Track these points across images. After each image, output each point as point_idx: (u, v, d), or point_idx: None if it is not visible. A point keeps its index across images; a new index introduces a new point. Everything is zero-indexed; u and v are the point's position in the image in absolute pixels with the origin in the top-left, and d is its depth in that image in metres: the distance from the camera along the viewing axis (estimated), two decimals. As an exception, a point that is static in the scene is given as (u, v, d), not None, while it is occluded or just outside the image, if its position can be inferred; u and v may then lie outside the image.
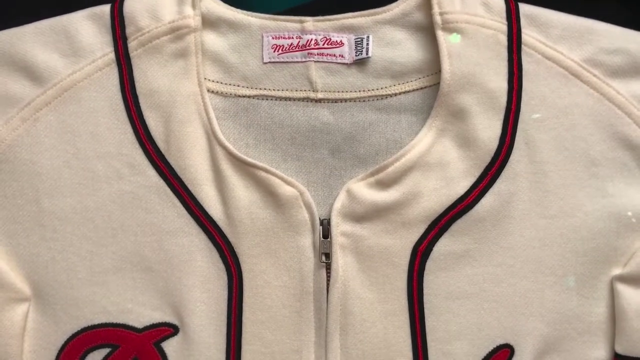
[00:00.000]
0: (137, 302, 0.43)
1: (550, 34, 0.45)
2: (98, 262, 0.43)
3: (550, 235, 0.44)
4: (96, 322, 0.43)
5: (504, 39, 0.44)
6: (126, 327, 0.43)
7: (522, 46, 0.45)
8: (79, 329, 0.43)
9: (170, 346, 0.43)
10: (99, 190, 0.43)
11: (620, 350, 0.43)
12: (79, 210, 0.43)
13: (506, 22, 0.45)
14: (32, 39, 0.45)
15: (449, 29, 0.44)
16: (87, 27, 0.45)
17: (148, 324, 0.43)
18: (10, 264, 0.43)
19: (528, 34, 0.45)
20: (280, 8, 0.50)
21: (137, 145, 0.44)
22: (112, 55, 0.44)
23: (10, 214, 0.43)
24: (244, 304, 0.43)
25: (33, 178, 0.44)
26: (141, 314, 0.43)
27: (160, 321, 0.43)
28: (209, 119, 0.44)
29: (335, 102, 0.46)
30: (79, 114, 0.44)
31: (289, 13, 0.47)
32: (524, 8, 0.45)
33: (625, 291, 0.43)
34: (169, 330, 0.43)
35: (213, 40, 0.46)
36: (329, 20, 0.46)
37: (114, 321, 0.43)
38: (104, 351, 0.43)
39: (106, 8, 0.45)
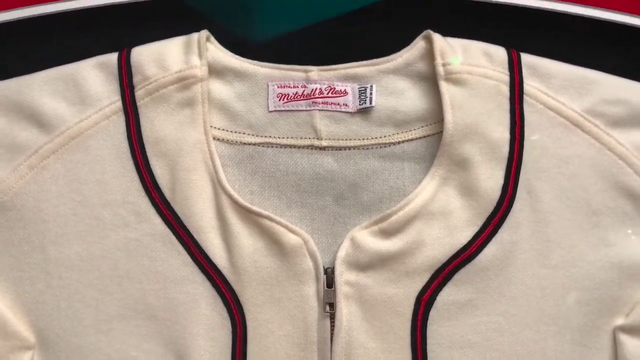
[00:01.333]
0: (141, 350, 0.43)
1: (552, 84, 0.46)
2: (103, 310, 0.43)
3: (553, 285, 0.44)
4: (100, 370, 0.43)
5: (506, 89, 0.45)
6: (130, 375, 0.43)
7: (524, 96, 0.45)
8: (83, 376, 0.43)
9: (173, 396, 0.43)
10: (105, 238, 0.44)
11: (623, 400, 0.43)
12: (84, 258, 0.44)
13: (508, 73, 0.45)
14: (41, 87, 0.45)
15: (451, 79, 0.45)
16: (94, 75, 0.46)
17: (152, 372, 0.43)
18: (15, 312, 0.43)
19: (530, 84, 0.45)
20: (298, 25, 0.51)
21: (143, 193, 0.44)
22: (119, 104, 0.45)
23: (17, 261, 0.44)
24: (248, 353, 0.43)
25: (39, 225, 0.44)
26: (145, 362, 0.43)
27: (164, 370, 0.43)
28: (214, 167, 0.44)
29: (340, 149, 0.46)
30: (86, 162, 0.44)
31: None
32: (525, 58, 0.46)
33: (627, 341, 0.43)
34: (173, 379, 0.43)
35: (219, 88, 0.46)
36: (334, 69, 0.46)
37: (118, 369, 0.43)
38: (108, 400, 0.43)
39: (113, 57, 0.46)
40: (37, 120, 0.45)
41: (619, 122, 0.45)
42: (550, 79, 0.46)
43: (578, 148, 0.45)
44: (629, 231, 0.44)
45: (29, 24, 0.49)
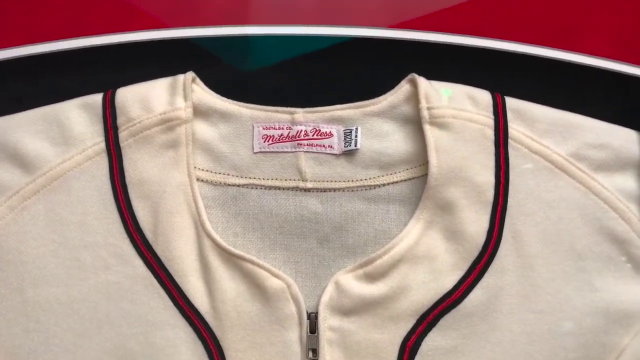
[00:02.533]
0: (119, 398, 0.42)
1: (537, 128, 0.46)
2: (81, 355, 0.42)
3: (539, 331, 0.43)
4: (78, 418, 0.42)
5: (490, 133, 0.45)
6: (108, 423, 0.42)
7: (509, 140, 0.45)
8: None
9: None
10: (85, 280, 0.43)
11: None
12: (63, 301, 0.43)
13: (493, 117, 0.46)
14: (24, 128, 0.45)
15: (436, 123, 0.45)
16: (78, 116, 0.46)
17: (130, 420, 0.42)
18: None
19: (515, 128, 0.46)
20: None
21: (124, 235, 0.44)
22: (102, 145, 0.45)
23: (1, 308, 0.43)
24: (228, 403, 0.42)
25: (18, 267, 0.43)
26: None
27: (143, 418, 0.42)
28: (197, 209, 0.44)
29: (324, 191, 0.46)
30: (68, 203, 0.44)
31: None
32: (510, 102, 0.46)
33: (615, 389, 0.43)
34: None
35: (204, 130, 0.46)
36: (319, 111, 0.46)
37: (95, 417, 0.42)
38: None
39: (98, 97, 0.46)
40: (20, 160, 0.44)
41: (602, 166, 0.45)
42: (534, 122, 0.46)
43: (563, 192, 0.45)
44: (615, 275, 0.44)
45: (16, 64, 0.49)
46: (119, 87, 0.46)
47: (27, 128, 0.45)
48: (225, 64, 0.51)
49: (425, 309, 0.43)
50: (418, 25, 0.50)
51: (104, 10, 0.47)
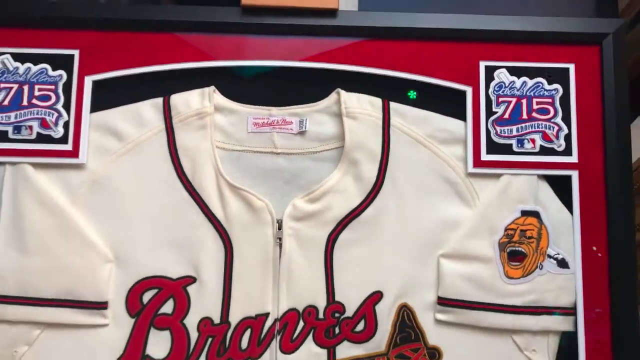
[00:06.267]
0: (173, 264, 0.77)
1: (407, 119, 0.81)
2: (151, 241, 0.77)
3: (405, 231, 0.79)
4: (149, 274, 0.77)
5: (380, 122, 0.80)
6: (166, 278, 0.77)
7: (391, 126, 0.81)
8: (140, 278, 0.77)
9: (191, 289, 0.77)
10: (154, 199, 0.78)
11: (440, 294, 0.78)
12: (142, 212, 0.78)
13: (382, 113, 0.81)
14: (118, 116, 0.80)
15: (349, 116, 0.80)
16: (149, 110, 0.80)
17: (179, 276, 0.77)
18: (103, 241, 0.77)
19: (393, 119, 0.81)
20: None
21: (176, 176, 0.78)
22: (162, 126, 0.80)
23: (106, 213, 0.78)
24: (233, 265, 0.77)
25: (117, 193, 0.78)
26: (175, 270, 0.77)
27: (186, 275, 0.77)
28: (216, 163, 0.79)
29: (288, 154, 0.81)
30: (144, 159, 0.79)
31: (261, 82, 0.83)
32: (392, 104, 0.81)
33: (443, 262, 0.78)
34: (191, 279, 0.77)
35: (220, 119, 0.81)
36: (285, 109, 0.81)
37: (160, 274, 0.77)
38: (154, 291, 0.77)
39: (160, 100, 0.80)
40: (117, 135, 0.79)
41: (444, 141, 0.81)
42: (405, 116, 0.81)
43: (421, 155, 0.80)
44: (448, 200, 0.80)
45: (115, 80, 0.82)
46: (172, 94, 0.81)
47: (121, 116, 0.80)
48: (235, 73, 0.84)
49: (340, 217, 0.78)
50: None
51: (165, 46, 0.81)
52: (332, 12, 0.80)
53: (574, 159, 0.80)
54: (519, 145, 0.80)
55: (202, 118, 0.80)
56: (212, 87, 0.81)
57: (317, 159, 0.81)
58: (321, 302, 0.77)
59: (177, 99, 0.81)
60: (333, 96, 0.82)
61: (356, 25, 0.80)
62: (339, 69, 0.81)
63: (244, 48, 0.81)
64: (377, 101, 0.82)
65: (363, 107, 0.81)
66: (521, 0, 1.03)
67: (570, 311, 0.78)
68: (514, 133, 0.80)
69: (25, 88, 0.79)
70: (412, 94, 0.81)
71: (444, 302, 0.78)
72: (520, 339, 0.77)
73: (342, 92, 0.81)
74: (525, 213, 0.79)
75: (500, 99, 0.81)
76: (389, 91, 0.82)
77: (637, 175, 0.86)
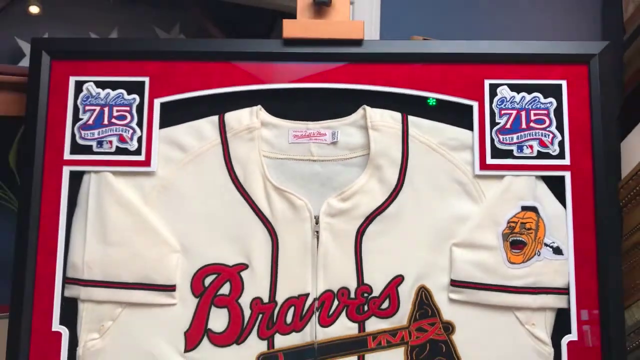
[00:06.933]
0: (229, 253, 0.93)
1: (422, 129, 0.95)
2: (210, 234, 0.93)
3: (422, 224, 0.93)
4: (210, 262, 0.93)
5: (400, 133, 0.95)
6: (223, 265, 0.93)
7: (409, 136, 0.95)
8: (202, 265, 0.93)
9: (244, 274, 0.92)
10: (212, 201, 0.94)
11: (452, 277, 0.92)
12: (203, 210, 0.94)
13: (401, 125, 0.96)
14: (182, 131, 0.96)
15: (374, 128, 0.95)
16: (207, 126, 0.96)
17: (235, 263, 0.93)
18: (171, 235, 0.93)
19: (411, 130, 0.95)
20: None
21: (230, 181, 0.94)
22: (218, 140, 0.96)
23: (173, 212, 0.94)
24: (279, 254, 0.92)
25: (181, 195, 0.94)
26: (231, 259, 0.93)
27: (240, 262, 0.93)
28: (264, 169, 0.94)
29: (323, 161, 0.96)
30: (204, 167, 0.95)
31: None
32: (410, 118, 0.96)
33: (455, 250, 0.92)
34: (244, 266, 0.93)
35: (265, 133, 0.97)
36: (320, 123, 0.97)
37: (218, 262, 0.93)
38: (213, 276, 0.93)
39: (216, 117, 0.96)
40: (181, 147, 0.95)
41: (455, 148, 0.95)
42: (421, 127, 0.95)
43: (435, 160, 0.95)
44: (459, 198, 0.94)
45: (177, 101, 0.99)
46: (226, 112, 0.97)
47: (184, 132, 0.96)
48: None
49: (367, 213, 0.93)
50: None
51: (220, 73, 0.98)
52: (358, 42, 0.96)
53: (566, 161, 0.94)
54: (519, 150, 0.94)
55: (251, 132, 0.96)
56: (259, 106, 0.97)
57: (347, 165, 0.96)
58: (352, 284, 0.92)
59: (230, 116, 0.97)
60: (360, 112, 0.97)
61: (379, 52, 0.95)
62: (365, 89, 0.96)
63: (286, 73, 0.97)
64: (397, 115, 0.96)
65: (385, 120, 0.96)
66: (522, 25, 1.17)
67: (564, 291, 0.92)
68: (515, 140, 0.94)
69: (106, 110, 0.96)
70: (432, 101, 0.95)
71: (456, 284, 0.92)
72: (521, 314, 0.91)
73: (368, 108, 0.96)
74: (525, 208, 0.93)
75: (503, 112, 0.95)
76: (406, 106, 0.97)
77: (635, 182, 0.98)
